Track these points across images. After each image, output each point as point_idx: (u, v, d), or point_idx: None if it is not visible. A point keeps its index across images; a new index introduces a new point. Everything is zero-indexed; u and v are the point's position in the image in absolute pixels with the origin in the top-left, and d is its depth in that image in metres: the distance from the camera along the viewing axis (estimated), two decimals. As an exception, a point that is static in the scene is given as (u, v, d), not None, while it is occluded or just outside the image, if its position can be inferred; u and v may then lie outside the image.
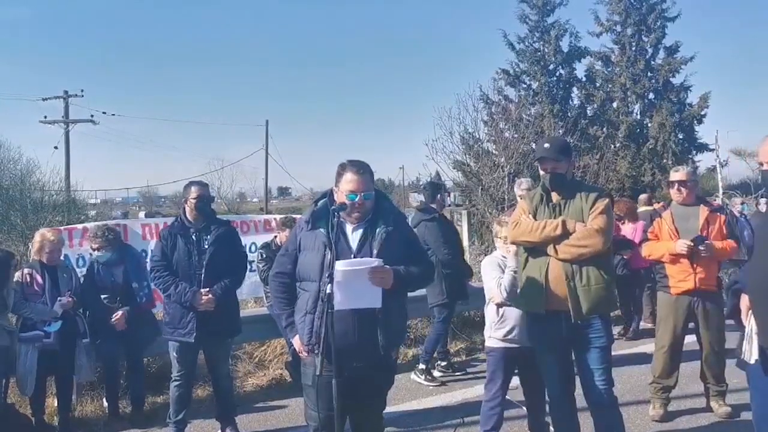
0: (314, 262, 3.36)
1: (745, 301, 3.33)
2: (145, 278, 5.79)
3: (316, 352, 3.26)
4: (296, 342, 3.52)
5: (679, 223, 5.07)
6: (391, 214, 3.52)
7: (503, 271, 4.40)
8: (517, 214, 4.19)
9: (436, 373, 6.71)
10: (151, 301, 5.93)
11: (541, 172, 4.07)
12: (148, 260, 6.36)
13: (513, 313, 4.40)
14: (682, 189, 5.12)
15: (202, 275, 4.89)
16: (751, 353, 3.20)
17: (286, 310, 3.57)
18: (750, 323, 3.23)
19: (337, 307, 3.17)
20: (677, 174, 5.22)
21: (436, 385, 6.45)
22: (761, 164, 3.27)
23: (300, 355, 3.53)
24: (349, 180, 3.39)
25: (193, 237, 4.95)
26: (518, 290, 4.26)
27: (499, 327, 4.45)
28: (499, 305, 4.45)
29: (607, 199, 4.01)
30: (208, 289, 4.88)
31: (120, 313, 5.51)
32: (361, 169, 3.43)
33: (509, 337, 4.42)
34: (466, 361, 7.38)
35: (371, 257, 3.33)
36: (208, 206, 5.11)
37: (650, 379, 5.34)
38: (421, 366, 6.59)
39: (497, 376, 4.48)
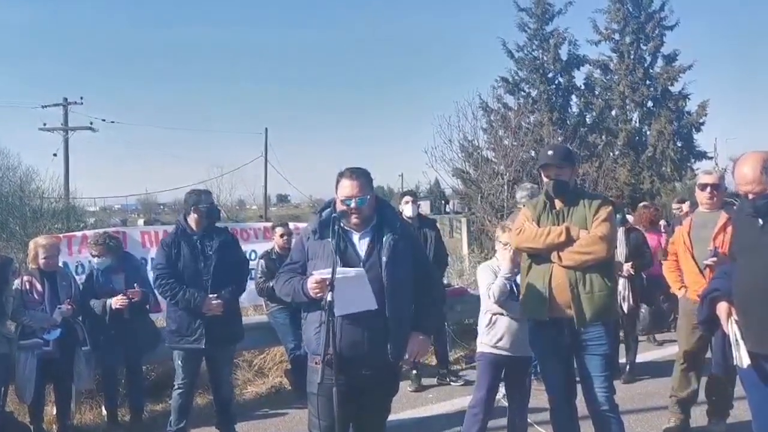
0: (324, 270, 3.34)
1: (723, 308, 3.30)
2: (146, 286, 5.78)
3: (328, 360, 3.22)
4: (312, 281, 3.28)
5: (696, 231, 4.81)
6: (397, 223, 3.55)
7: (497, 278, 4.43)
8: (520, 221, 4.19)
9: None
10: (157, 305, 5.93)
11: (545, 179, 4.08)
12: (148, 268, 6.36)
13: (503, 321, 4.43)
14: (715, 192, 4.78)
15: (209, 281, 4.89)
16: (742, 359, 3.19)
17: (298, 277, 3.44)
18: (732, 330, 3.23)
19: (337, 314, 3.19)
20: (709, 177, 4.90)
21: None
22: (746, 194, 3.21)
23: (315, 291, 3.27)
24: (344, 186, 3.44)
25: (198, 244, 4.95)
26: (507, 296, 4.33)
27: (488, 333, 4.47)
28: (494, 313, 4.46)
29: (610, 207, 4.02)
30: (216, 294, 4.88)
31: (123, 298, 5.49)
32: (355, 174, 3.45)
33: (498, 344, 4.42)
34: (465, 368, 7.36)
35: (381, 266, 3.36)
36: (217, 215, 5.15)
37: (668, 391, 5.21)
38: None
39: (484, 381, 4.48)
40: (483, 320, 4.56)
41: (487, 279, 4.48)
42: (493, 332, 4.45)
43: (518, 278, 4.42)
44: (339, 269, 3.27)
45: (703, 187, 4.87)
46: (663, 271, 5.25)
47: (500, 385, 4.59)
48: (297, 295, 3.42)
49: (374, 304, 3.29)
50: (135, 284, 5.64)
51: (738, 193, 3.44)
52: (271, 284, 5.83)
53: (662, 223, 8.56)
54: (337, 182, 3.48)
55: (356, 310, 3.29)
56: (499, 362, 4.46)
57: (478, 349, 4.60)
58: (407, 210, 6.63)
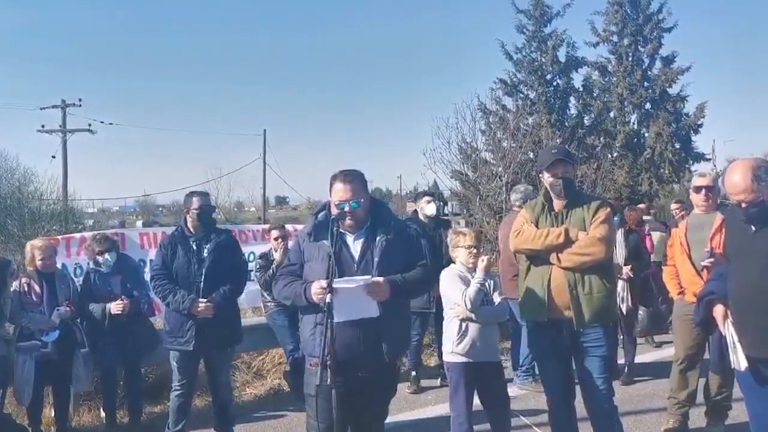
0: (320, 272, 3.35)
1: (720, 311, 3.31)
2: (143, 288, 5.77)
3: (326, 361, 3.23)
4: (317, 286, 3.29)
5: (692, 233, 4.82)
6: (390, 222, 3.54)
7: (466, 284, 4.37)
8: (519, 223, 4.20)
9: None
10: (151, 309, 5.92)
11: (550, 180, 4.04)
12: (147, 270, 6.36)
13: (474, 328, 4.40)
14: (710, 194, 4.80)
15: (201, 283, 4.88)
16: (739, 362, 3.20)
17: (299, 281, 3.47)
18: (729, 332, 3.23)
19: (336, 320, 3.19)
20: (704, 179, 4.92)
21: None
22: (739, 203, 3.16)
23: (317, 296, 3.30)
24: (337, 190, 3.45)
25: (193, 246, 4.94)
26: (480, 303, 4.32)
27: (459, 342, 4.41)
28: (462, 320, 4.41)
29: (609, 208, 4.03)
30: (207, 299, 4.85)
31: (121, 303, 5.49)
32: (348, 177, 3.46)
33: (470, 352, 4.39)
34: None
35: (372, 266, 3.38)
36: (210, 216, 5.12)
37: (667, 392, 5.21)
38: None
39: (460, 390, 4.44)
40: (451, 328, 4.47)
41: (457, 286, 4.41)
42: (465, 341, 4.39)
43: (487, 283, 4.42)
44: (348, 278, 3.30)
45: (698, 189, 4.90)
46: (663, 277, 5.25)
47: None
48: (298, 299, 3.44)
49: (376, 312, 3.29)
50: (132, 289, 5.65)
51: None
52: (269, 273, 5.91)
53: (647, 227, 8.61)
54: (331, 185, 3.49)
55: (357, 316, 3.29)
56: (472, 370, 4.42)
57: (448, 359, 4.52)
58: (429, 209, 6.65)
